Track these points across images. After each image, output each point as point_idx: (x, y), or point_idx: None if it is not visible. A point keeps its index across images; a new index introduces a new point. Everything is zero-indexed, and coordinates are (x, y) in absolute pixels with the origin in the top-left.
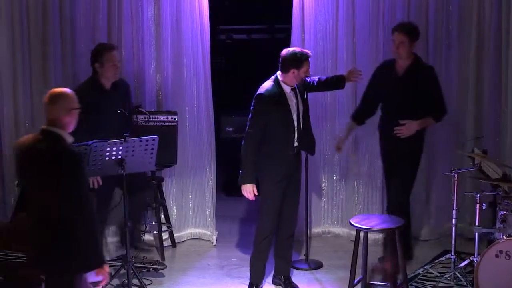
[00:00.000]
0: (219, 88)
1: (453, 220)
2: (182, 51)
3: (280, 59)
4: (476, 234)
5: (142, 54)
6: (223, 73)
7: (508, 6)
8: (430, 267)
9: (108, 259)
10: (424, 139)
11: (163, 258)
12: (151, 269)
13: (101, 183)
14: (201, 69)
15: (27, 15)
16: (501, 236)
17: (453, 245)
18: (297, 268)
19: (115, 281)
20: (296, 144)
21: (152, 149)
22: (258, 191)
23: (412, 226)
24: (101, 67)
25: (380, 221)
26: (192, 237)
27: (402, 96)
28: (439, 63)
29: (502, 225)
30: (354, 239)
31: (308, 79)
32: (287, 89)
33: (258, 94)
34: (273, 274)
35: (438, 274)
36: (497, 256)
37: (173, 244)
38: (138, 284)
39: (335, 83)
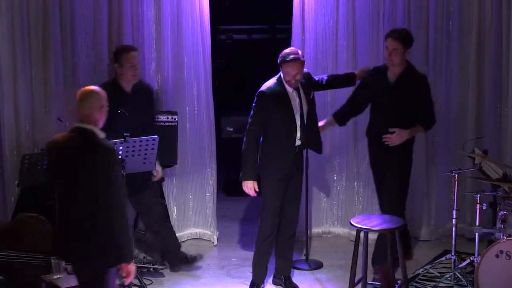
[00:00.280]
0: (220, 88)
1: (453, 220)
2: (182, 51)
3: None
4: (477, 234)
5: (142, 54)
6: (223, 73)
7: (508, 6)
8: (430, 267)
9: None
10: (413, 148)
11: (163, 258)
12: (151, 269)
13: None
14: (201, 69)
15: (28, 16)
16: (501, 236)
17: (453, 245)
18: (297, 268)
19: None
20: (298, 143)
21: (153, 149)
22: (259, 188)
23: (413, 226)
24: (120, 67)
25: (380, 221)
26: (193, 237)
27: (394, 104)
28: (439, 64)
29: (502, 225)
30: (354, 239)
31: (316, 78)
32: (289, 88)
33: (259, 91)
34: (274, 274)
35: (439, 274)
36: (497, 256)
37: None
38: (138, 284)
39: (344, 80)
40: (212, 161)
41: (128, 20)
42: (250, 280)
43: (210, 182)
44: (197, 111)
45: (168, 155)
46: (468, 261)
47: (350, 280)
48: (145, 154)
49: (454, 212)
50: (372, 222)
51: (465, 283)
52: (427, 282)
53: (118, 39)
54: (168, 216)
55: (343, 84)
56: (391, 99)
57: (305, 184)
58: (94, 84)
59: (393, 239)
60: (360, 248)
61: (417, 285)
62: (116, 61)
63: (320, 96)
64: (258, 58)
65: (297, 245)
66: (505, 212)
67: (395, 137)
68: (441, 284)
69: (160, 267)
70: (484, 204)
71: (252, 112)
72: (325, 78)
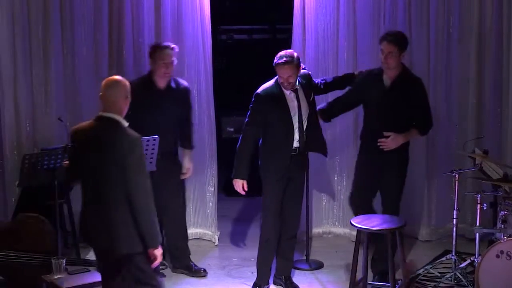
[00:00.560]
0: (220, 88)
1: (454, 221)
2: (183, 51)
3: None
4: (477, 234)
5: (143, 54)
6: (224, 73)
7: (509, 6)
8: (430, 268)
9: None
10: (408, 151)
11: (164, 258)
12: None
13: None
14: (202, 69)
15: (28, 16)
16: (502, 237)
17: (454, 246)
18: (298, 268)
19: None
20: (296, 145)
21: (153, 149)
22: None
23: (413, 226)
24: (153, 64)
25: (381, 221)
26: (193, 237)
27: (389, 107)
28: (440, 64)
29: (503, 226)
30: (354, 240)
31: (316, 81)
32: (286, 90)
33: (256, 93)
34: (274, 274)
35: (439, 275)
36: (498, 256)
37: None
38: None
39: (345, 81)
40: (213, 161)
41: (129, 20)
42: (251, 280)
43: (211, 182)
44: (197, 111)
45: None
46: (468, 261)
47: (350, 280)
48: (145, 154)
49: (455, 212)
50: (373, 222)
51: (466, 283)
52: (428, 282)
53: (118, 39)
54: (184, 220)
55: (343, 85)
56: (387, 103)
57: (305, 184)
58: (94, 84)
59: (393, 240)
60: (361, 248)
61: (418, 285)
62: (151, 57)
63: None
64: (259, 58)
65: (297, 245)
66: (505, 212)
67: (390, 142)
68: (441, 284)
69: (161, 267)
70: (485, 204)
71: (248, 113)
72: (323, 83)
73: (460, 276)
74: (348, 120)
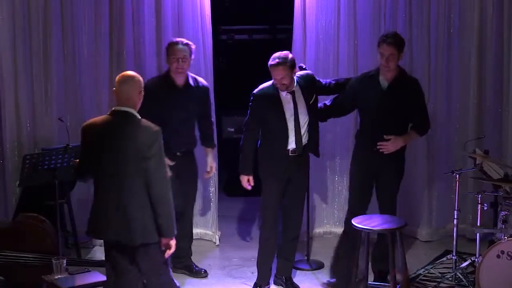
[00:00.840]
0: (221, 88)
1: (455, 221)
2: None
3: None
4: (478, 234)
5: (143, 54)
6: (224, 73)
7: (509, 6)
8: (431, 268)
9: None
10: (405, 153)
11: None
12: None
13: None
14: (202, 69)
15: (28, 16)
16: (503, 237)
17: (454, 246)
18: (298, 269)
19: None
20: (293, 146)
21: None
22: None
23: (414, 227)
24: (168, 60)
25: (381, 221)
26: (194, 237)
27: (387, 110)
28: (440, 64)
29: (503, 226)
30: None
31: (324, 81)
32: (282, 91)
33: (252, 92)
34: (275, 274)
35: (440, 275)
36: (498, 256)
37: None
38: None
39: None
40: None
41: (129, 20)
42: (252, 280)
43: (211, 182)
44: None
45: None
46: (469, 261)
47: (351, 280)
48: None
49: (455, 212)
50: (373, 222)
51: (466, 283)
52: (428, 283)
53: (119, 39)
54: (191, 221)
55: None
56: (385, 105)
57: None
58: (94, 85)
59: (393, 240)
60: (361, 249)
61: (418, 285)
62: (166, 54)
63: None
64: (259, 59)
65: (298, 245)
66: (506, 213)
67: (390, 145)
68: (442, 285)
69: None
70: (485, 205)
71: (248, 111)
72: (333, 82)
73: (461, 276)
74: (348, 121)
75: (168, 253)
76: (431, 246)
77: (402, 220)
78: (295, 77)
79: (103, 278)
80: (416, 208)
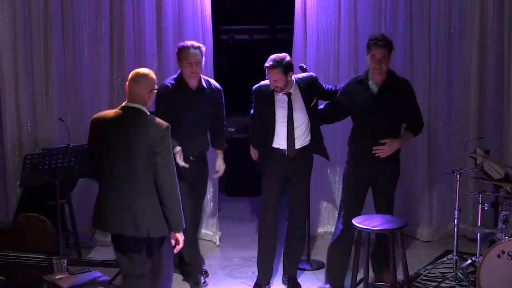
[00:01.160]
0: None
1: (455, 221)
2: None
3: None
4: (478, 234)
5: (144, 54)
6: (225, 73)
7: (510, 7)
8: (432, 268)
9: (112, 259)
10: (400, 160)
11: None
12: None
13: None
14: (203, 69)
15: (29, 16)
16: (503, 237)
17: (455, 246)
18: (299, 268)
19: (118, 281)
20: (280, 146)
21: None
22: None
23: (415, 227)
24: (180, 64)
25: (382, 221)
26: None
27: (379, 113)
28: (441, 64)
29: (504, 226)
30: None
31: (325, 86)
32: (277, 93)
33: (253, 87)
34: (282, 273)
35: (440, 275)
36: (499, 256)
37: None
38: None
39: None
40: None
41: (130, 20)
42: (253, 280)
43: (212, 182)
44: None
45: None
46: (469, 261)
47: (352, 280)
48: None
49: (456, 212)
50: (374, 222)
51: (467, 283)
52: (429, 282)
53: (119, 39)
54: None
55: None
56: (376, 109)
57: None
58: (95, 84)
59: (394, 240)
60: (362, 249)
61: (419, 285)
62: (178, 58)
63: None
64: (260, 59)
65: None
66: (507, 213)
67: (386, 148)
68: (442, 285)
69: None
70: (486, 204)
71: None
72: (334, 88)
73: (462, 276)
74: (349, 120)
75: (178, 248)
76: (432, 246)
77: (402, 220)
78: (293, 79)
79: (104, 278)
80: (416, 208)
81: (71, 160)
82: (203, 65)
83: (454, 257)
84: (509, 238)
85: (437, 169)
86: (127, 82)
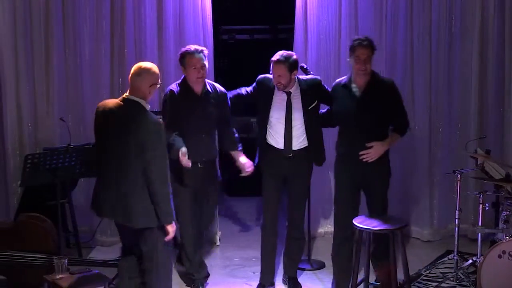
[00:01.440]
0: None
1: (456, 221)
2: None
3: None
4: (479, 234)
5: (144, 54)
6: (226, 73)
7: (510, 7)
8: (433, 268)
9: (113, 259)
10: (389, 157)
11: None
12: None
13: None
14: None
15: (30, 16)
16: (504, 237)
17: (456, 246)
18: (299, 268)
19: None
20: (275, 145)
21: None
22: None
23: (416, 227)
24: (184, 70)
25: (382, 221)
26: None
27: (364, 116)
28: (442, 64)
29: (505, 226)
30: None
31: (329, 90)
32: (278, 90)
33: (259, 76)
34: (283, 272)
35: (441, 275)
36: (500, 256)
37: (176, 244)
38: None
39: None
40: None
41: (130, 20)
42: (254, 280)
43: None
44: None
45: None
46: (470, 261)
47: (352, 280)
48: None
49: (457, 212)
50: (374, 222)
51: (468, 283)
52: (430, 283)
53: (120, 39)
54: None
55: None
56: (361, 113)
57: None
58: (96, 84)
59: (395, 240)
60: (363, 248)
61: (420, 285)
62: (181, 64)
63: None
64: (260, 58)
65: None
66: (507, 213)
67: (373, 152)
68: (443, 285)
69: None
70: (487, 205)
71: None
72: None
73: (462, 276)
74: None
75: (168, 238)
76: (433, 246)
77: (403, 220)
78: (295, 78)
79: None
80: (417, 208)
81: (72, 160)
82: (207, 68)
83: (455, 257)
84: (510, 238)
85: (438, 169)
86: (129, 76)
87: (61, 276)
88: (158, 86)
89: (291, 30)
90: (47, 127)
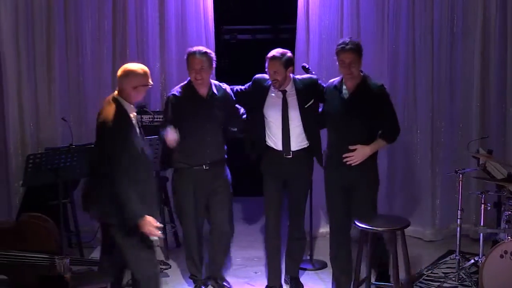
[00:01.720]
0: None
1: (458, 221)
2: (186, 51)
3: None
4: (481, 234)
5: (146, 54)
6: (227, 73)
7: None
8: (434, 268)
9: None
10: (377, 165)
11: (167, 258)
12: None
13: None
14: None
15: (32, 16)
16: (506, 237)
17: (457, 246)
18: (301, 268)
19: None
20: (273, 146)
21: (157, 149)
22: None
23: (417, 227)
24: (188, 71)
25: (384, 221)
26: None
27: (351, 120)
28: (444, 64)
29: (507, 226)
30: (358, 240)
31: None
32: (273, 88)
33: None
34: (285, 273)
35: (443, 275)
36: (501, 256)
37: (178, 244)
38: None
39: None
40: None
41: (132, 20)
42: (255, 280)
43: None
44: None
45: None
46: (472, 261)
47: (354, 280)
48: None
49: (459, 212)
50: (376, 222)
51: (470, 283)
52: (431, 282)
53: (122, 39)
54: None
55: None
56: (348, 115)
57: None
58: (98, 84)
59: (396, 239)
60: (364, 248)
61: (422, 285)
62: (186, 65)
63: None
64: (262, 58)
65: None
66: (509, 213)
67: (357, 155)
68: (445, 284)
69: (164, 267)
70: (489, 204)
71: None
72: None
73: (464, 276)
74: None
75: (152, 235)
76: (434, 246)
77: (405, 220)
78: (291, 76)
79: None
80: (419, 208)
81: (74, 160)
82: (212, 71)
83: (456, 257)
84: None
85: (439, 169)
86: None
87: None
88: (148, 87)
89: (293, 30)
90: (49, 127)
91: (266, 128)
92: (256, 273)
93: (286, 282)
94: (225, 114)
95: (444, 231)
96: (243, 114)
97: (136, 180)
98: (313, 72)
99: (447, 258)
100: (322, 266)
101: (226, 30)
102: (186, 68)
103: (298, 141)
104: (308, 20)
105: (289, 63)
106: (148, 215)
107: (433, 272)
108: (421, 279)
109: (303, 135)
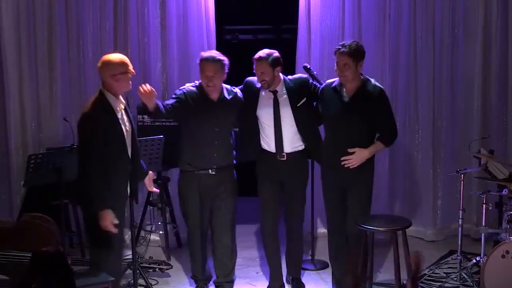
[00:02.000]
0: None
1: (460, 221)
2: (188, 52)
3: None
4: (482, 234)
5: (148, 54)
6: (228, 73)
7: None
8: (436, 268)
9: None
10: (374, 166)
11: (169, 258)
12: (157, 269)
13: None
14: None
15: (33, 16)
16: (508, 237)
17: (459, 246)
18: (303, 268)
19: (121, 281)
20: (267, 148)
21: (158, 149)
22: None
23: (419, 227)
24: (200, 75)
25: (386, 221)
26: None
27: (349, 122)
28: (445, 64)
29: (508, 226)
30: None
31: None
32: (262, 89)
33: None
34: (286, 273)
35: (444, 275)
36: (503, 256)
37: (179, 244)
38: (144, 284)
39: None
40: None
41: (134, 20)
42: (256, 280)
43: None
44: None
45: (173, 155)
46: (474, 261)
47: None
48: (151, 154)
49: (460, 212)
50: (378, 222)
51: (471, 283)
52: (433, 283)
53: (123, 39)
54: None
55: None
56: (347, 118)
57: (310, 184)
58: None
59: (398, 239)
60: (366, 248)
61: (423, 285)
62: (199, 68)
63: None
64: None
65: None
66: (511, 213)
67: (355, 158)
68: (447, 285)
69: (165, 267)
70: (490, 204)
71: None
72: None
73: (466, 276)
74: None
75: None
76: (436, 246)
77: (406, 220)
78: (280, 76)
79: (108, 278)
80: (420, 208)
81: (75, 160)
82: (224, 76)
83: (458, 257)
84: None
85: (441, 169)
86: None
87: None
88: (128, 75)
89: (295, 30)
90: (50, 127)
91: (260, 130)
92: (257, 273)
93: (288, 281)
94: (235, 117)
95: (445, 231)
96: None
97: (106, 170)
98: (315, 72)
99: (449, 258)
100: (323, 266)
101: (228, 30)
102: (187, 69)
103: (293, 142)
104: (309, 20)
105: (276, 63)
106: (113, 206)
107: (435, 272)
108: (422, 279)
109: (298, 136)
